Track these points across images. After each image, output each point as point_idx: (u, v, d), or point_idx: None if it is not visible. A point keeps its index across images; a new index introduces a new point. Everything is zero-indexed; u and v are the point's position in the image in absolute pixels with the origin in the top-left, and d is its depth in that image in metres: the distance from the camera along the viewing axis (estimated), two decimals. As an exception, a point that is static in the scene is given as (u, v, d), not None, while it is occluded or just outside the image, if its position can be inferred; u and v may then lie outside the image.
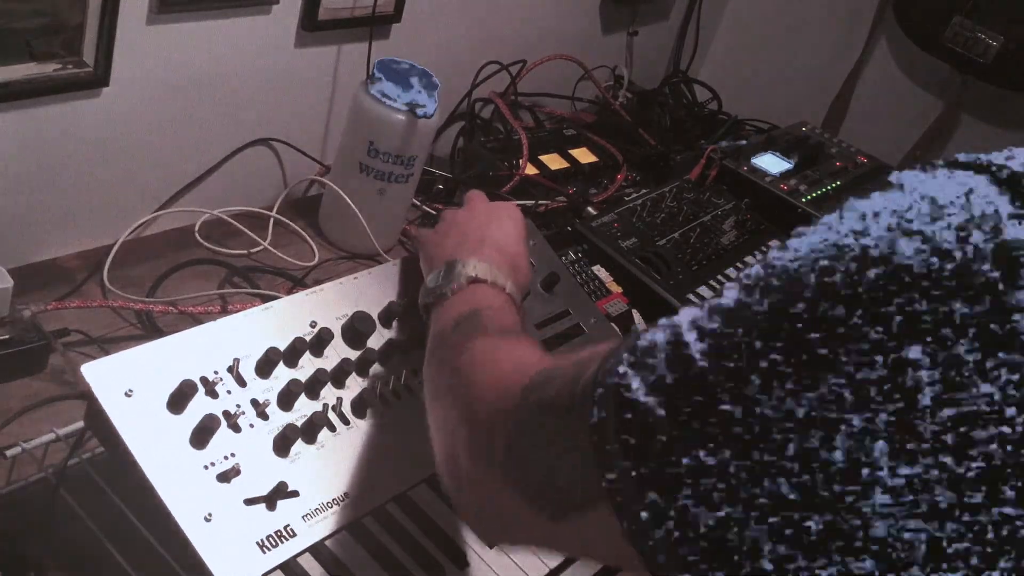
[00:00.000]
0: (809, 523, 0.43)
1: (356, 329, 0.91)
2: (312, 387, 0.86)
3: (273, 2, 1.24)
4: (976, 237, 0.43)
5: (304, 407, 0.85)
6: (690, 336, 0.48)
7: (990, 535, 0.41)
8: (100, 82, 1.08)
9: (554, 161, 1.66)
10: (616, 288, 1.34)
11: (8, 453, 0.81)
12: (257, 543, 0.76)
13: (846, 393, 0.43)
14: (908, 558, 0.42)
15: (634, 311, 1.33)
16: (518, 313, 0.87)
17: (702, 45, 2.28)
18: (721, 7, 2.32)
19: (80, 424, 0.81)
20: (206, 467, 0.77)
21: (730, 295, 0.49)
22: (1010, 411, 0.41)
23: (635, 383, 0.49)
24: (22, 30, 0.98)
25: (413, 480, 0.89)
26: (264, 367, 0.84)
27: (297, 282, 1.24)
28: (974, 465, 0.41)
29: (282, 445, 0.82)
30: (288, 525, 0.78)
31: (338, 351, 0.90)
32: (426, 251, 0.96)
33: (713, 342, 0.47)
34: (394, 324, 0.96)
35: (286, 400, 0.84)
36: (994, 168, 0.46)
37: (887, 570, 0.42)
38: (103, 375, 0.76)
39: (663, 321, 0.52)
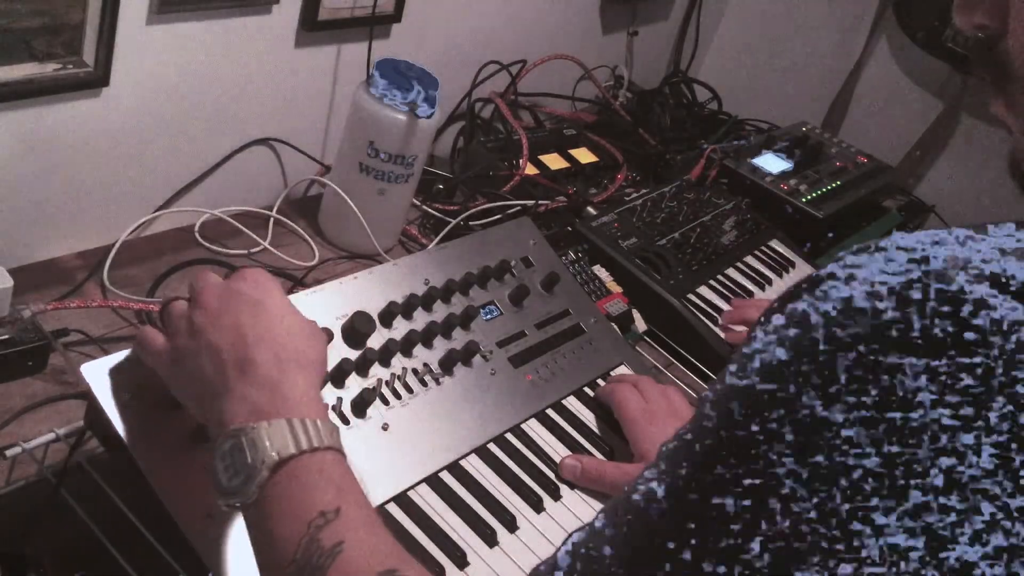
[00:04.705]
0: None
1: (356, 329, 0.91)
2: (312, 387, 0.86)
3: (273, 2, 1.24)
4: None
5: (304, 407, 0.85)
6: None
7: None
8: (100, 82, 1.08)
9: (554, 161, 1.66)
10: (616, 288, 1.34)
11: (8, 453, 0.81)
12: (257, 543, 0.76)
13: None
14: None
15: (634, 311, 1.33)
16: (345, 459, 0.67)
17: (702, 45, 2.28)
18: (721, 7, 2.32)
19: (80, 424, 0.81)
20: (206, 467, 0.77)
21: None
22: None
23: None
24: (22, 30, 0.98)
25: (413, 479, 0.89)
26: (264, 367, 0.84)
27: (297, 282, 1.24)
28: None
29: (282, 445, 0.82)
30: (288, 525, 0.78)
31: (338, 351, 0.90)
32: (178, 387, 0.72)
33: None
34: (394, 324, 0.96)
35: (286, 400, 0.84)
36: None
37: None
38: (103, 375, 0.76)
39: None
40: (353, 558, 0.61)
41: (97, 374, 0.76)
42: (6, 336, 0.96)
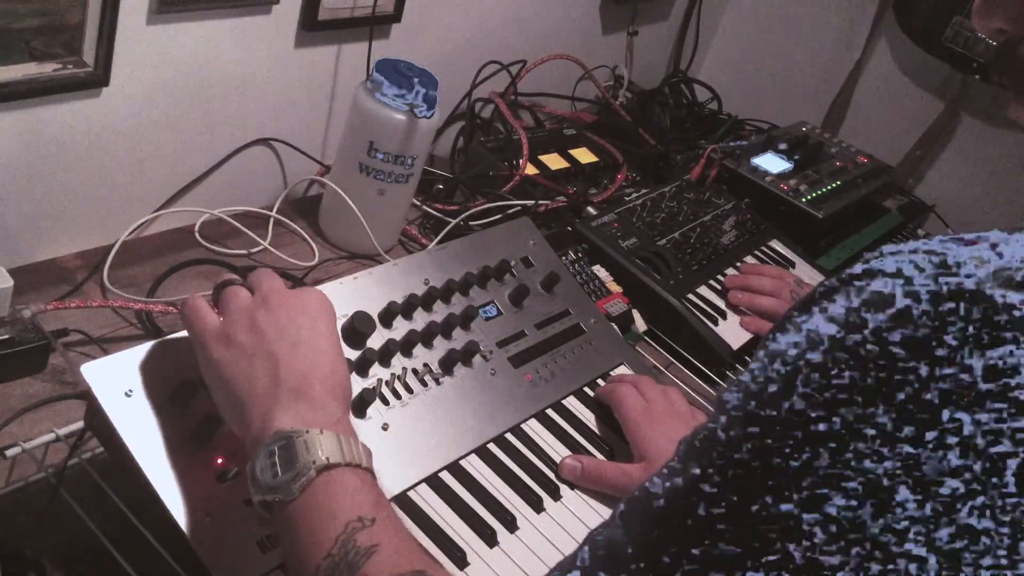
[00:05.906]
0: None
1: (356, 329, 0.91)
2: (312, 387, 0.86)
3: (273, 2, 1.24)
4: None
5: (304, 407, 0.85)
6: None
7: None
8: (100, 82, 1.08)
9: (554, 161, 1.66)
10: (616, 288, 1.34)
11: (8, 453, 0.81)
12: (257, 543, 0.76)
13: None
14: None
15: (634, 311, 1.33)
16: (375, 480, 0.71)
17: (702, 45, 2.28)
18: (721, 7, 2.32)
19: (80, 424, 0.81)
20: (206, 467, 0.77)
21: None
22: None
23: None
24: (22, 30, 0.98)
25: (413, 479, 0.89)
26: (264, 367, 0.84)
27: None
28: None
29: (282, 445, 0.82)
30: (288, 525, 0.78)
31: (338, 351, 0.90)
32: (218, 374, 0.73)
33: None
34: (394, 324, 0.96)
35: (286, 400, 0.84)
36: None
37: None
38: (103, 375, 0.76)
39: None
40: (387, 559, 0.65)
41: (97, 374, 0.76)
42: (6, 336, 0.96)
